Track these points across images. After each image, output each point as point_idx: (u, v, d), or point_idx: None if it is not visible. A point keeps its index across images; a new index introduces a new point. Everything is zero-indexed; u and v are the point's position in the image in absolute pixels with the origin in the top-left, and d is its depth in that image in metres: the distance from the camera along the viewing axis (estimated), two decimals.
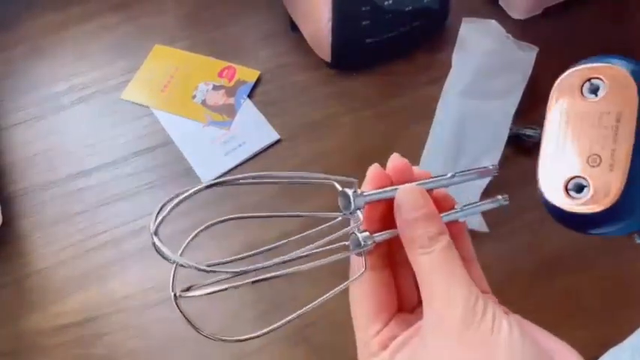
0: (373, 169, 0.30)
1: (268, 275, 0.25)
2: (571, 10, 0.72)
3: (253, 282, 0.25)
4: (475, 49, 0.64)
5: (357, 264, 0.29)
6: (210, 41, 0.72)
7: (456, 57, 0.65)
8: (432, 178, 0.30)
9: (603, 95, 0.28)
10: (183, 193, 0.25)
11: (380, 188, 0.29)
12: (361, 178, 0.30)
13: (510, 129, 0.61)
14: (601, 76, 0.28)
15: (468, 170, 0.32)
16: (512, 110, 0.62)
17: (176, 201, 0.24)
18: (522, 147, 0.62)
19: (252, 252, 0.28)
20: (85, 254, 0.58)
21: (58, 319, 0.55)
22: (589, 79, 0.28)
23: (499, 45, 0.65)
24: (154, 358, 0.54)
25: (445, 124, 0.62)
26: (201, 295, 0.25)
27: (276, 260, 0.25)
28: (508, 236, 0.58)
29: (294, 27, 0.70)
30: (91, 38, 0.73)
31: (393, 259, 0.31)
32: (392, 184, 0.29)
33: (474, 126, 0.61)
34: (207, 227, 0.28)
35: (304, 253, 0.26)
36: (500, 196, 0.33)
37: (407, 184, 0.29)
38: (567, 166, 0.28)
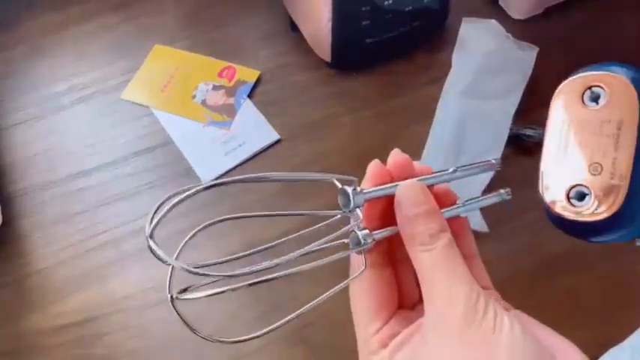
0: (373, 166, 0.29)
1: (266, 277, 0.24)
2: (571, 10, 0.72)
3: (250, 284, 0.24)
4: (475, 49, 0.64)
5: (357, 262, 0.29)
6: (210, 41, 0.72)
7: (456, 57, 0.65)
8: (433, 173, 0.30)
9: (604, 103, 0.28)
10: (179, 194, 0.24)
11: (380, 185, 0.28)
12: (361, 178, 0.29)
13: (510, 129, 0.61)
14: (602, 84, 0.28)
15: (470, 165, 0.32)
16: (513, 110, 0.62)
17: (169, 205, 0.24)
18: (522, 147, 0.62)
19: (249, 251, 0.28)
20: (85, 254, 0.58)
21: (58, 319, 0.55)
22: (590, 87, 0.28)
23: (499, 45, 0.65)
24: (154, 358, 0.54)
25: (445, 124, 0.62)
26: (196, 298, 0.24)
27: (275, 261, 0.24)
28: (508, 236, 0.57)
29: (294, 27, 0.70)
30: (91, 38, 0.73)
31: (393, 256, 0.30)
32: (392, 181, 0.29)
33: (474, 126, 0.61)
34: (205, 227, 0.27)
35: (303, 253, 0.25)
36: (502, 190, 0.32)
37: (407, 180, 0.28)
38: (569, 174, 0.28)
